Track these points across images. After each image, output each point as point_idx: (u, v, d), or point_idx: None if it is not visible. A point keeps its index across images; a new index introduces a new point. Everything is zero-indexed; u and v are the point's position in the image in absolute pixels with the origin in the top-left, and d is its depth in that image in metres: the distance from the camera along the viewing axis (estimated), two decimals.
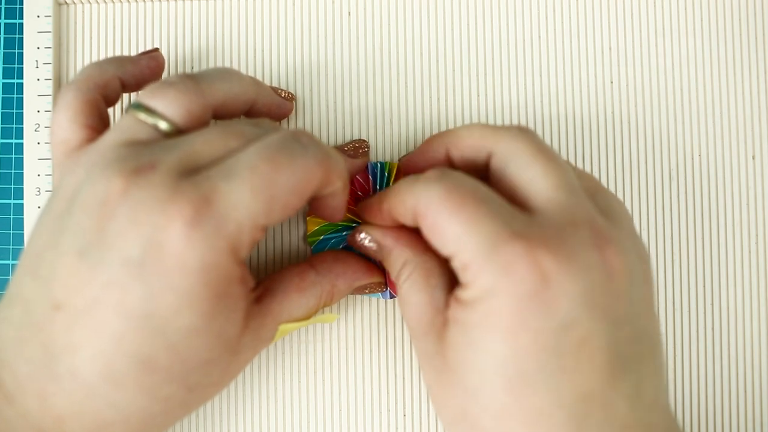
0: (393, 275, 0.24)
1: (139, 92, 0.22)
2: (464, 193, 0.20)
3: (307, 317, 0.24)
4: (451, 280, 0.22)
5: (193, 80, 0.21)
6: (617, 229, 0.21)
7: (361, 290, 0.26)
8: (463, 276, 0.20)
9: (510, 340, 0.19)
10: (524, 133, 0.22)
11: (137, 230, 0.18)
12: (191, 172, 0.19)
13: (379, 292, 0.26)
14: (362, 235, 0.24)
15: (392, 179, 0.27)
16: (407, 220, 0.22)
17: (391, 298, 0.27)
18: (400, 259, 0.23)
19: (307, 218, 0.27)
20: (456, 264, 0.20)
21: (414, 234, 0.23)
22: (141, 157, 0.19)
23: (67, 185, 0.21)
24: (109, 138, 0.21)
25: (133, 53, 0.28)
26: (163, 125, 0.21)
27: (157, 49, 0.26)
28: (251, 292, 0.22)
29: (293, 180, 0.19)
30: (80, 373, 0.19)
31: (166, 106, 0.21)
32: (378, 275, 0.26)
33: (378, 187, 0.27)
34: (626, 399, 0.20)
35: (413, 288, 0.22)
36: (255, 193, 0.19)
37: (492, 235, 0.19)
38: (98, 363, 0.19)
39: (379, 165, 0.27)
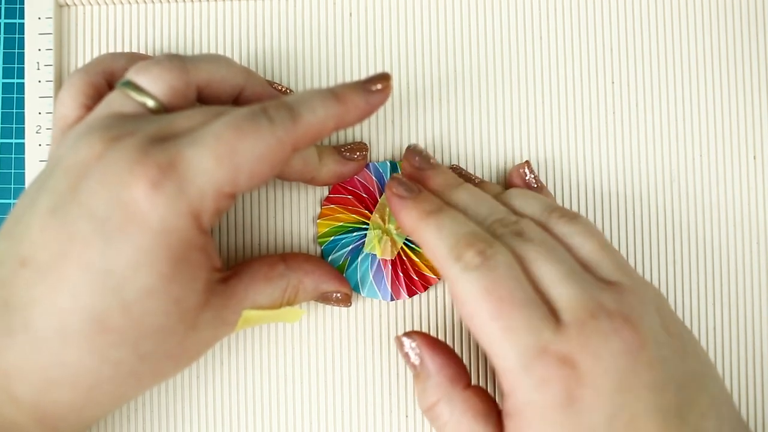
0: (424, 401, 0.23)
1: (129, 70, 0.22)
2: (503, 295, 0.20)
3: (271, 308, 0.24)
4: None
5: (178, 59, 0.22)
6: (627, 293, 0.21)
7: (326, 299, 0.26)
8: (502, 380, 0.21)
9: None
10: (522, 238, 0.22)
11: (105, 189, 0.19)
12: (164, 139, 0.20)
13: (346, 306, 0.26)
14: (409, 343, 0.24)
15: None
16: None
17: (391, 300, 0.27)
18: (436, 391, 0.23)
19: (318, 221, 0.27)
20: (494, 362, 0.21)
21: (461, 365, 0.24)
22: (124, 126, 0.20)
23: (54, 155, 0.22)
24: (98, 111, 0.22)
25: None
26: (150, 102, 0.22)
27: None
28: (217, 271, 0.22)
29: (258, 148, 0.20)
30: (33, 327, 0.19)
31: (151, 82, 0.22)
32: (346, 287, 0.26)
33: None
34: None
35: None
36: (218, 159, 0.19)
37: (527, 350, 0.20)
38: (52, 318, 0.19)
39: (389, 164, 0.27)
